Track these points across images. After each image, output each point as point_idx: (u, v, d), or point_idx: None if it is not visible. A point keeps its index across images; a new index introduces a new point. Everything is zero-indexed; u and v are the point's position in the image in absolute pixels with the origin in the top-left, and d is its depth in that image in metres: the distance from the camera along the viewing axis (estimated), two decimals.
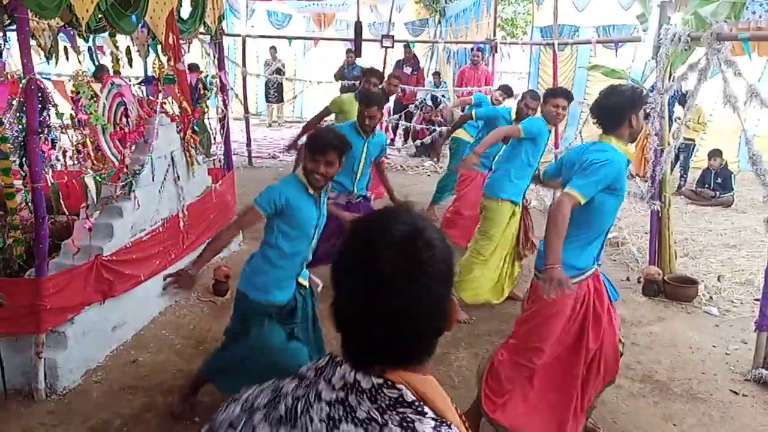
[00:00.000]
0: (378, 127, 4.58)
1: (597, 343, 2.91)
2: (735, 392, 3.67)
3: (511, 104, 5.81)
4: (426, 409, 0.89)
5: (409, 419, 0.87)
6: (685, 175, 8.90)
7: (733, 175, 8.44)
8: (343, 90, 10.02)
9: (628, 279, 5.38)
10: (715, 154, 8.61)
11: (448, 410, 0.92)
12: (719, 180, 8.38)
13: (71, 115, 4.48)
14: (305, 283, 3.09)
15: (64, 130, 4.43)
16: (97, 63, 6.29)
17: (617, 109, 2.79)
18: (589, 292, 2.88)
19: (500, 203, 4.54)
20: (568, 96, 4.46)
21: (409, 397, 0.89)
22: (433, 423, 0.87)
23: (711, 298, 5.04)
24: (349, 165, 4.20)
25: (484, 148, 4.45)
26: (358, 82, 10.31)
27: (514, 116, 5.22)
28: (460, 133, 6.87)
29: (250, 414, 0.98)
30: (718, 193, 8.27)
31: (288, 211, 2.80)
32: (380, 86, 5.69)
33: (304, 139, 3.98)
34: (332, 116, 5.58)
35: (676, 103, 8.64)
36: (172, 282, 2.86)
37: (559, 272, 2.58)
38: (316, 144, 2.78)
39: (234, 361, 3.04)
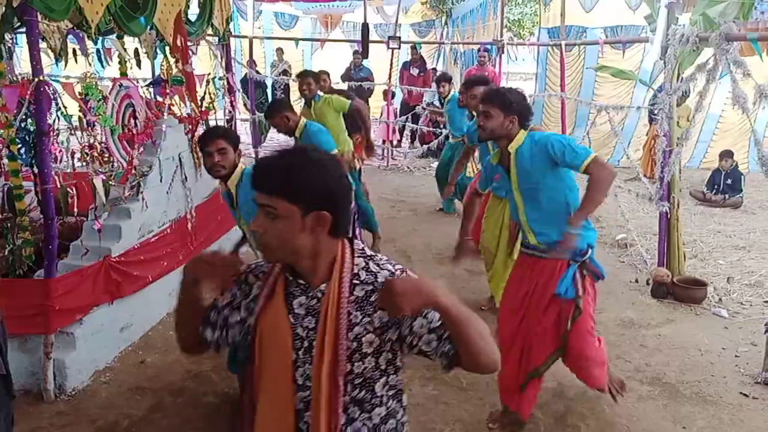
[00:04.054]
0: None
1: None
2: (745, 395, 3.64)
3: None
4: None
5: None
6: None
7: (743, 177, 8.35)
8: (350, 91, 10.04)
9: (636, 281, 5.35)
10: (727, 154, 8.52)
11: None
12: (729, 181, 8.28)
13: (80, 116, 4.50)
14: None
15: (73, 132, 4.46)
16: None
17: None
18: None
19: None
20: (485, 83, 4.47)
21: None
22: None
23: (720, 300, 5.00)
24: None
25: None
26: (364, 83, 10.39)
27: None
28: None
29: None
30: (726, 196, 8.18)
31: None
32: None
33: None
34: None
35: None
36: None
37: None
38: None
39: None
